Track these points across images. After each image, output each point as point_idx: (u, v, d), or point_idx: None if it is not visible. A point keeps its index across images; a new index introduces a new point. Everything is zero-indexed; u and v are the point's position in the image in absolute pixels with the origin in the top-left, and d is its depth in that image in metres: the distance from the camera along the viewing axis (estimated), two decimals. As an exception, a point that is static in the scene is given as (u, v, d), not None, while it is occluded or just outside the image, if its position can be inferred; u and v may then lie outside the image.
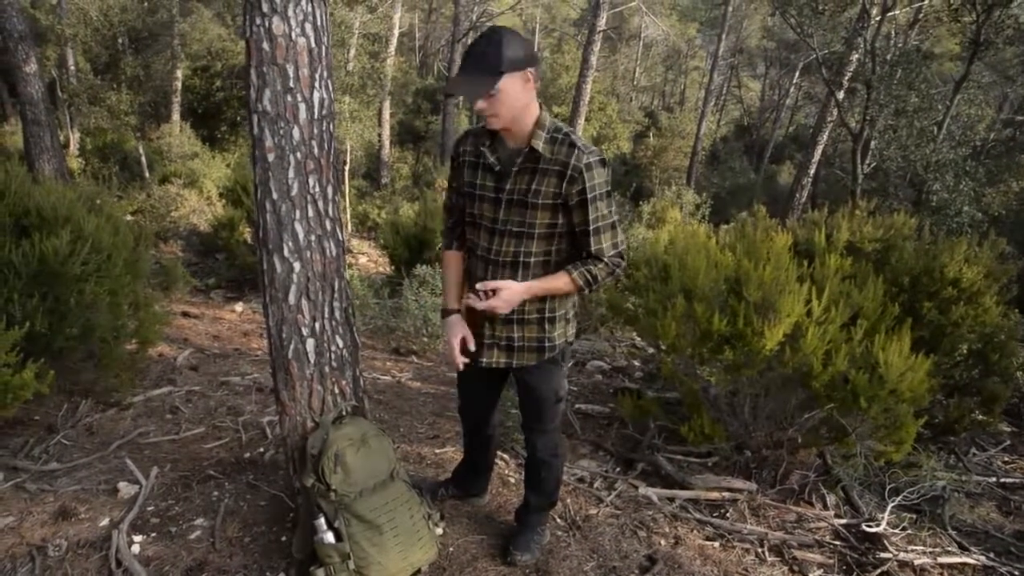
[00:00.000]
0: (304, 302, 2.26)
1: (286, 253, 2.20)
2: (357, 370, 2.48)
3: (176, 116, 18.26)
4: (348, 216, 15.07)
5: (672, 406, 4.01)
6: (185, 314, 5.66)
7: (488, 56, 1.95)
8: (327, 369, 2.35)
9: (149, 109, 16.17)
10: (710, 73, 26.89)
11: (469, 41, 17.48)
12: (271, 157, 2.14)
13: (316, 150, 2.19)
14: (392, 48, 20.07)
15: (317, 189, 2.21)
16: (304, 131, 2.16)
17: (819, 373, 2.94)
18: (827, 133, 12.48)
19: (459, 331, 2.28)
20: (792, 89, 31.69)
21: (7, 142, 17.21)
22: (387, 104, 19.44)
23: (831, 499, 3.23)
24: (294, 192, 2.17)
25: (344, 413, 2.38)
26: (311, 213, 2.22)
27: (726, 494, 3.27)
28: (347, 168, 16.06)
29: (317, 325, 2.30)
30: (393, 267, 8.72)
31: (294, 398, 2.33)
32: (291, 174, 2.16)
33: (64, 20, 15.10)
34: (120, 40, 15.42)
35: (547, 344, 2.26)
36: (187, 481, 2.86)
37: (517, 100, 2.02)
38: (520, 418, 2.54)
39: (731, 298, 3.02)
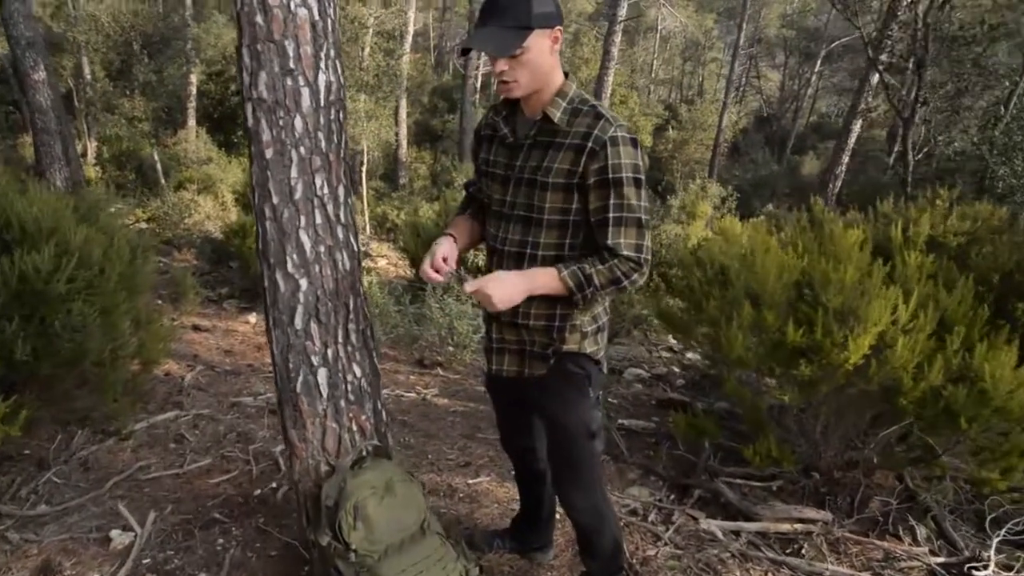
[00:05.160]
0: (313, 326, 1.90)
1: (290, 268, 1.85)
2: (379, 402, 2.12)
3: (192, 122, 18.12)
4: (367, 218, 14.79)
5: (727, 421, 3.61)
6: (196, 327, 5.36)
7: (515, 8, 1.61)
8: (343, 403, 1.99)
9: (163, 115, 15.97)
10: (731, 63, 26.32)
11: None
12: (269, 153, 1.78)
13: (323, 144, 1.83)
14: (407, 45, 19.76)
15: (326, 190, 1.85)
16: (308, 121, 1.80)
17: (909, 389, 2.53)
18: (860, 120, 11.94)
19: (443, 247, 1.85)
20: (813, 78, 30.99)
21: (26, 153, 17.13)
22: (403, 103, 19.16)
23: (921, 531, 2.82)
24: (298, 195, 1.81)
25: (364, 455, 2.02)
26: (319, 219, 1.86)
27: (798, 526, 2.87)
28: (364, 169, 15.81)
29: (330, 352, 1.94)
30: (414, 271, 8.39)
31: (305, 438, 1.98)
32: (294, 173, 1.80)
33: (76, 27, 14.95)
34: (133, 45, 15.24)
35: (556, 351, 1.86)
36: (189, 527, 2.52)
37: (543, 63, 1.69)
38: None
39: (802, 304, 2.62)
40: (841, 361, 2.50)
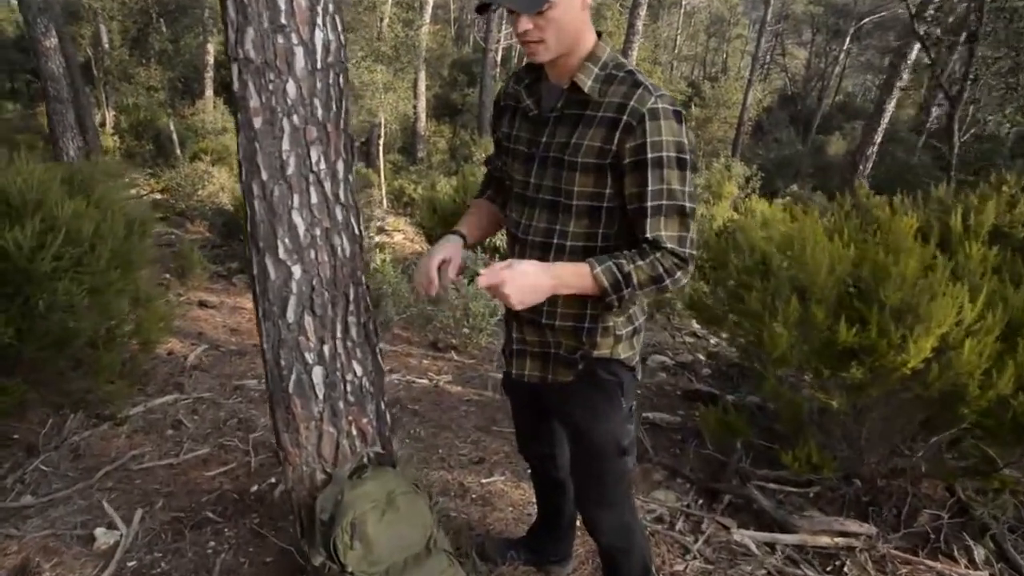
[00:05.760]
0: (308, 319, 1.68)
1: (281, 253, 1.62)
2: (382, 403, 1.90)
3: (209, 92, 17.92)
4: (383, 192, 14.57)
5: (759, 417, 3.37)
6: (202, 304, 5.18)
7: None
8: (341, 405, 1.77)
9: (180, 85, 15.79)
10: (756, 40, 25.64)
11: None
12: (258, 122, 1.55)
13: (320, 112, 1.59)
14: (427, 16, 19.37)
15: (322, 165, 1.62)
16: (302, 86, 1.56)
17: (975, 397, 2.28)
18: (895, 99, 11.46)
19: (445, 250, 1.64)
20: (841, 56, 30.15)
21: (44, 122, 17.07)
22: (422, 75, 18.84)
23: (979, 552, 2.58)
24: (290, 170, 1.58)
25: (365, 462, 1.81)
26: (314, 198, 1.63)
27: (839, 540, 2.63)
28: (382, 141, 15.57)
29: (326, 348, 1.72)
30: (429, 247, 8.17)
31: (298, 443, 1.76)
32: (285, 145, 1.57)
33: (92, -7, 14.75)
34: (150, 13, 15.01)
35: (585, 356, 1.62)
36: (179, 526, 2.34)
37: (572, 22, 1.44)
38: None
39: (855, 300, 2.36)
40: (898, 364, 2.25)
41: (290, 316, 1.66)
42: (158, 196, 10.85)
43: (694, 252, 1.49)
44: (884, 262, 2.23)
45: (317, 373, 1.72)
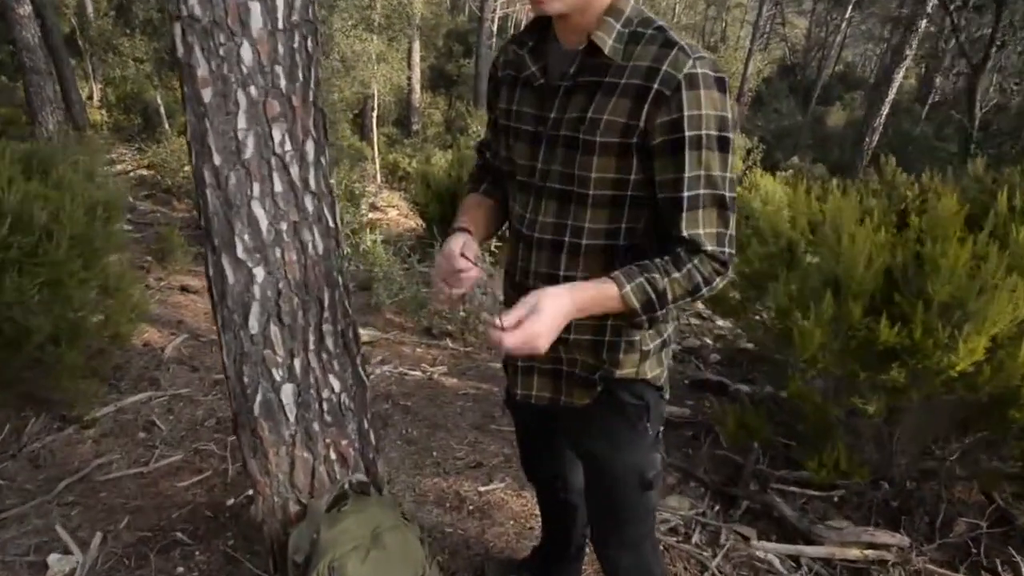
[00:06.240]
0: (274, 329, 1.42)
1: (240, 252, 1.36)
2: (365, 420, 1.65)
3: (197, 63, 17.39)
4: (377, 166, 14.21)
5: (776, 412, 3.13)
6: (184, 288, 4.90)
7: None
8: (317, 427, 1.53)
9: (166, 56, 15.29)
10: (758, 8, 25.10)
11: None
12: (207, 95, 1.28)
13: (283, 81, 1.32)
14: (420, -16, 18.80)
15: (287, 147, 1.35)
16: (260, 50, 1.29)
17: (1030, 402, 2.05)
18: (904, 68, 11.11)
19: (456, 242, 1.28)
20: (843, 24, 29.57)
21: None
22: (416, 45, 18.34)
23: (1024, 566, 2.36)
24: (248, 152, 1.32)
25: (346, 491, 1.56)
26: (279, 186, 1.36)
27: (869, 552, 2.42)
28: (375, 114, 15.17)
29: (297, 363, 1.47)
30: (424, 225, 7.90)
31: (267, 471, 1.52)
32: (241, 123, 1.30)
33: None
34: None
35: (606, 376, 1.35)
36: (144, 549, 2.10)
37: None
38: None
39: (896, 295, 2.11)
40: (945, 366, 2.01)
41: (253, 326, 1.41)
42: (144, 172, 10.51)
43: (734, 252, 1.23)
44: (932, 252, 1.97)
45: (287, 391, 1.47)
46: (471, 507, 2.47)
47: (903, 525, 2.54)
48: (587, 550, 2.07)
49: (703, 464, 2.94)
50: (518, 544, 2.27)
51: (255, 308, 1.40)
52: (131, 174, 10.55)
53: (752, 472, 2.84)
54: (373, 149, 14.59)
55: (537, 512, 2.42)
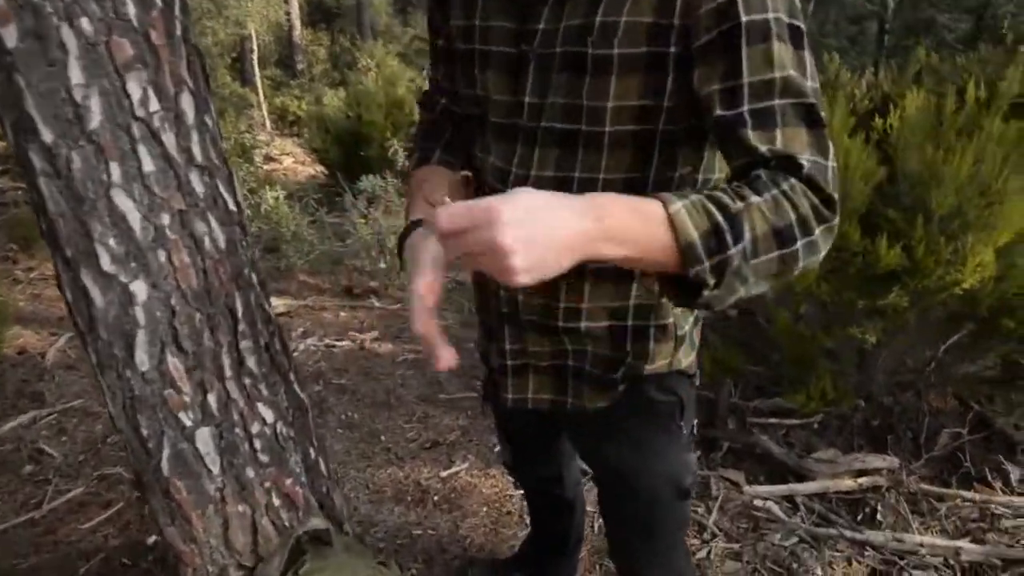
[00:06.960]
0: (173, 360, 1.04)
1: (107, 265, 0.96)
2: (311, 448, 1.30)
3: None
4: (265, 112, 13.19)
5: (745, 337, 2.94)
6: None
7: None
8: (250, 472, 1.17)
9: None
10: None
11: None
12: (11, 36, 0.85)
13: (133, 8, 0.90)
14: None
15: (155, 105, 0.95)
16: (86, -38, 0.86)
17: (1031, 312, 1.90)
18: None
19: (426, 255, 0.82)
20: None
21: None
22: (289, -22, 16.95)
23: (1015, 473, 2.29)
24: (94, 121, 0.90)
25: (301, 544, 1.22)
26: (149, 164, 0.96)
27: (863, 480, 2.30)
28: (256, 56, 14.03)
29: (212, 398, 1.09)
30: (326, 171, 7.34)
31: (193, 538, 1.16)
32: (76, 76, 0.88)
33: None
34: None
35: (631, 374, 1.02)
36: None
37: None
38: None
39: (891, 211, 1.90)
40: (948, 284, 1.82)
41: (142, 361, 1.02)
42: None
43: (836, 179, 0.77)
44: (936, 160, 1.75)
45: (203, 437, 1.10)
46: (436, 498, 2.18)
47: (889, 446, 2.44)
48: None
49: (675, 407, 2.75)
50: (498, 536, 2.00)
51: (141, 337, 1.01)
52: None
53: (728, 407, 2.67)
54: (258, 94, 13.53)
55: (512, 492, 2.17)
